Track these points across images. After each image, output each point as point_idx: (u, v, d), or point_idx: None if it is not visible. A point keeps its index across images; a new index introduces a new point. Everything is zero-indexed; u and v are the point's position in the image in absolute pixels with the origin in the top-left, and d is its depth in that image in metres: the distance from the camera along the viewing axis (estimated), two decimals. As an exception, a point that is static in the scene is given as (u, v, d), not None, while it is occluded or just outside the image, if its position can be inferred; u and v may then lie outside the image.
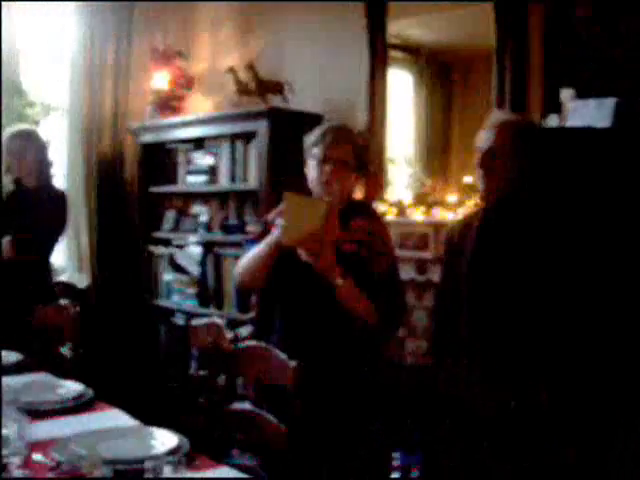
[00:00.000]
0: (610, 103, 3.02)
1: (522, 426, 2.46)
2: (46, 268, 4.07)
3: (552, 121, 3.26)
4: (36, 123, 4.72)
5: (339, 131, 2.72)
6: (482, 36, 3.77)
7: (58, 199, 4.02)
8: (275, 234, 2.57)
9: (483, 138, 2.62)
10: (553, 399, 2.47)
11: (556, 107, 3.28)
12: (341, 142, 2.69)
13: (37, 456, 1.87)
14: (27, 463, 1.75)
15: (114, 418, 2.31)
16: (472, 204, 3.61)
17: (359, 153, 2.72)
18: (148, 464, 1.47)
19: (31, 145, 3.97)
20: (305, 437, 2.46)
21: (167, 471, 1.47)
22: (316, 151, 2.70)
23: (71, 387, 2.55)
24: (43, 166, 4.02)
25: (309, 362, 2.35)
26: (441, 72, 4.24)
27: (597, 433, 2.54)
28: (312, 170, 2.72)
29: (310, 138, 2.77)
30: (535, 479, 2.44)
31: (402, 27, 4.23)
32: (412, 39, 4.29)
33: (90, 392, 2.51)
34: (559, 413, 2.47)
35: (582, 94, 3.21)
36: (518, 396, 2.47)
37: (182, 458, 1.58)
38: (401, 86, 4.32)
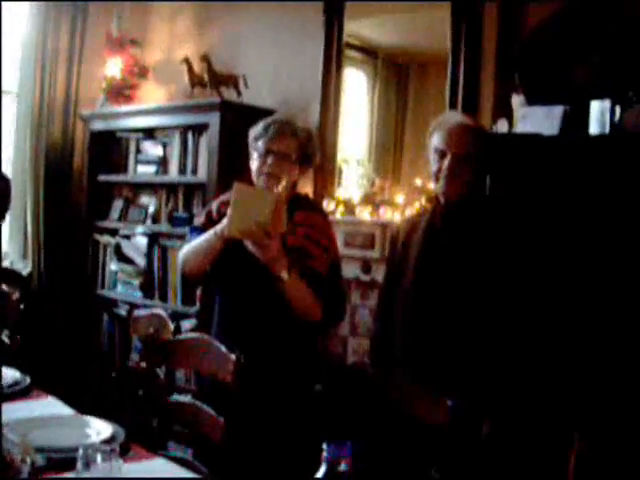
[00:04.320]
0: (558, 111, 3.06)
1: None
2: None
3: (502, 126, 3.29)
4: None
5: (282, 125, 2.74)
6: (438, 40, 3.80)
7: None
8: (222, 224, 2.56)
9: (444, 140, 2.61)
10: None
11: (507, 112, 3.32)
12: (283, 135, 2.71)
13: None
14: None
15: (50, 406, 2.29)
16: (419, 205, 3.64)
17: (303, 147, 2.73)
18: (80, 452, 1.45)
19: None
20: (242, 430, 2.46)
21: (100, 460, 1.45)
22: (259, 144, 2.72)
23: (8, 374, 2.51)
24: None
25: (249, 355, 2.35)
26: (396, 74, 4.26)
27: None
28: (255, 162, 2.73)
29: (254, 131, 2.78)
30: None
31: (359, 27, 4.24)
32: (369, 40, 4.30)
33: (27, 380, 2.48)
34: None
35: (532, 101, 3.25)
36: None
37: (116, 448, 1.56)
38: (356, 86, 4.34)
